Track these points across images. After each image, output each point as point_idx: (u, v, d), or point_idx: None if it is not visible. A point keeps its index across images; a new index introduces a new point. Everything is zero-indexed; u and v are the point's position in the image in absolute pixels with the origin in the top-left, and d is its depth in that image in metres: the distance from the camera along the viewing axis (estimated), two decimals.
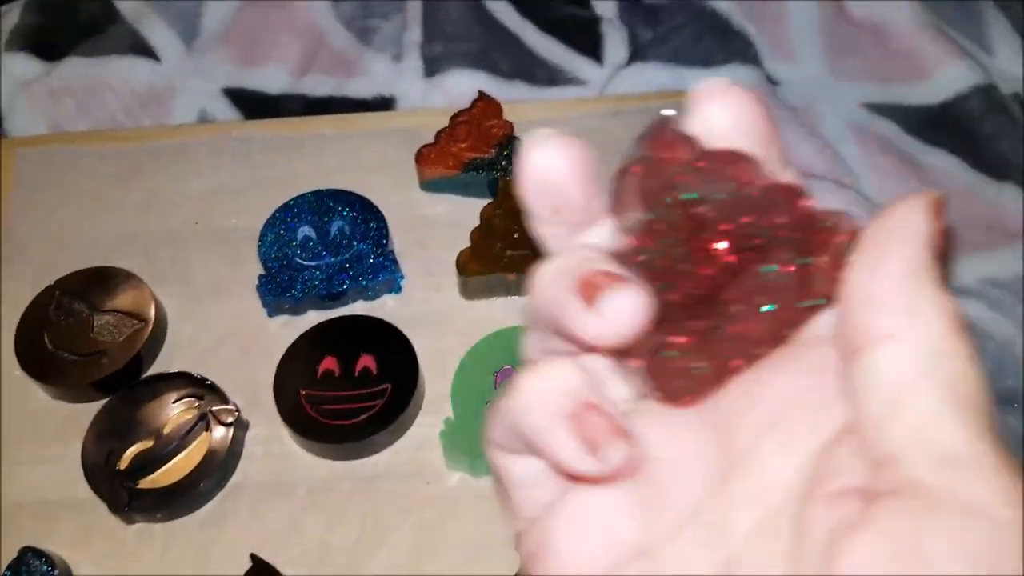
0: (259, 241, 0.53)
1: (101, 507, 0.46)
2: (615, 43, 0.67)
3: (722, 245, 0.19)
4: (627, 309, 0.18)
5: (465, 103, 0.57)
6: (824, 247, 0.19)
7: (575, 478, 0.20)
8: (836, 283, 0.19)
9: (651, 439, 0.20)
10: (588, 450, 0.18)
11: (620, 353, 0.20)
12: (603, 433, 0.18)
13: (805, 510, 0.18)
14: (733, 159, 0.19)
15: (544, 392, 0.19)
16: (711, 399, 0.20)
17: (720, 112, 0.19)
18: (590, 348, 0.19)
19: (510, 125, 0.55)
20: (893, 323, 0.17)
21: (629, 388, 0.21)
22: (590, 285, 0.18)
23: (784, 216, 0.19)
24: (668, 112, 0.20)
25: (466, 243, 0.52)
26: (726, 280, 0.19)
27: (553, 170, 0.19)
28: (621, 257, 0.19)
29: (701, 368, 0.20)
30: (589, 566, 0.20)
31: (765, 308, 0.19)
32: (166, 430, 0.47)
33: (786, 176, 0.20)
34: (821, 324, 0.20)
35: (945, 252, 0.18)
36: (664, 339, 0.19)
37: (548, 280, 0.19)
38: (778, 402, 0.20)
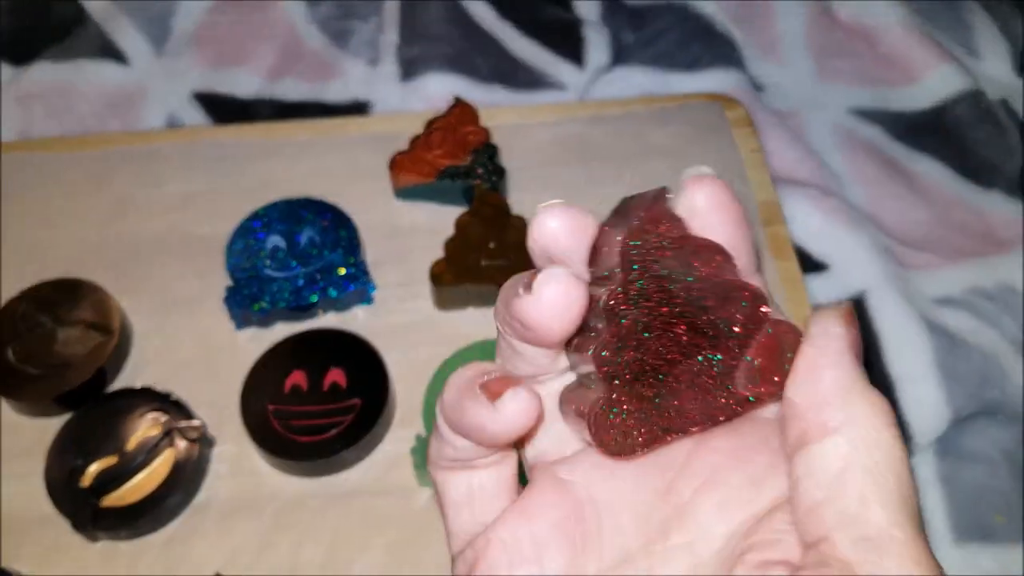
0: (227, 251, 0.52)
1: (65, 525, 0.45)
2: (597, 46, 0.66)
3: (681, 326, 0.21)
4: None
5: (443, 107, 0.56)
6: (768, 351, 0.21)
7: (500, 448, 0.22)
8: (772, 384, 0.21)
9: (590, 483, 0.23)
10: (490, 400, 0.21)
11: (570, 399, 0.22)
12: (501, 385, 0.21)
13: (733, 567, 0.20)
14: (712, 249, 0.21)
15: (462, 377, 0.22)
16: (661, 455, 0.22)
17: (700, 199, 0.22)
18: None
19: (486, 132, 0.54)
20: (831, 421, 0.19)
21: (575, 435, 0.23)
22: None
23: (741, 315, 0.21)
24: (667, 188, 0.22)
25: (441, 252, 0.51)
26: (677, 358, 0.21)
27: (553, 232, 0.22)
28: (592, 303, 0.21)
29: (637, 431, 0.22)
30: None
31: (705, 393, 0.21)
32: (130, 446, 0.46)
33: (755, 280, 0.22)
34: (766, 407, 0.22)
35: (862, 352, 0.20)
36: (611, 396, 0.21)
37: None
38: (720, 465, 0.22)
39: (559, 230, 0.21)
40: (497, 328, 0.23)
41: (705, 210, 0.22)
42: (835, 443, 0.19)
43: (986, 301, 0.56)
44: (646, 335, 0.21)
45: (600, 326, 0.21)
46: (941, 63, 0.64)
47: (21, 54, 0.64)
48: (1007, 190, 0.60)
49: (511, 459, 0.23)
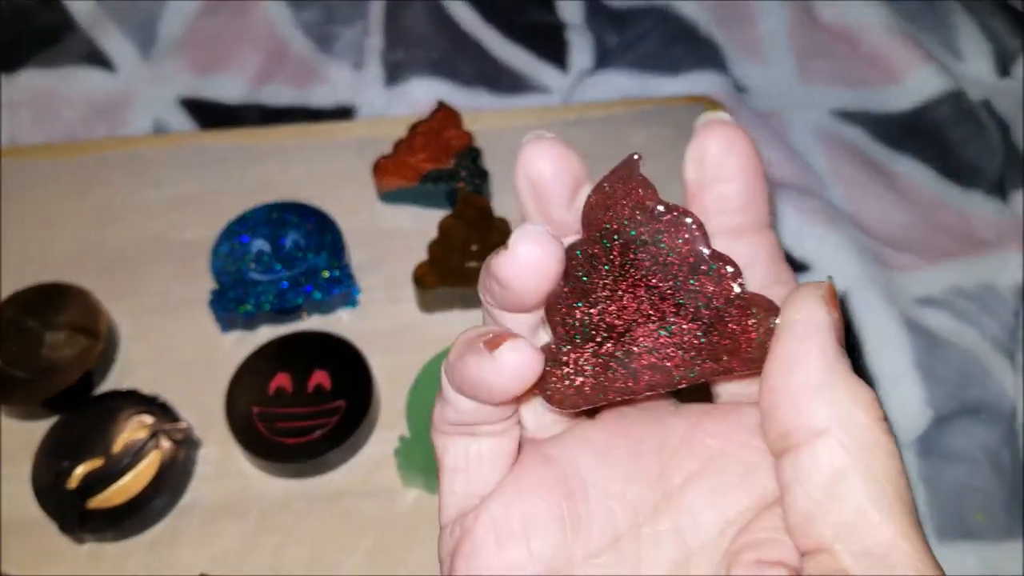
0: (212, 255, 0.52)
1: (51, 527, 0.45)
2: (581, 49, 0.66)
3: (643, 290, 0.21)
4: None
5: (427, 111, 0.56)
6: (738, 322, 0.20)
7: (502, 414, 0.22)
8: (740, 357, 0.20)
9: (580, 463, 0.22)
10: (490, 351, 0.20)
11: None
12: (501, 337, 0.20)
13: (729, 567, 0.20)
14: (683, 215, 0.20)
15: (467, 335, 0.21)
16: (654, 436, 0.22)
17: (713, 145, 0.20)
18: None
19: (468, 136, 0.54)
20: (818, 420, 0.18)
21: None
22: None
23: (712, 284, 0.20)
24: (637, 154, 0.21)
25: (425, 255, 0.51)
26: (637, 320, 0.21)
27: (537, 168, 0.21)
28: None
29: (583, 389, 0.22)
30: (501, 569, 0.21)
31: (665, 359, 0.21)
32: (116, 449, 0.46)
33: (766, 235, 0.21)
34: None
35: (843, 335, 0.19)
36: (561, 350, 0.21)
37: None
38: (714, 451, 0.21)
39: (546, 167, 0.21)
40: (482, 301, 0.23)
41: (719, 157, 0.20)
42: (826, 446, 0.18)
43: (967, 301, 0.56)
44: (605, 295, 0.21)
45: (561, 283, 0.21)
46: (923, 64, 0.64)
47: (8, 61, 0.64)
48: (988, 191, 0.61)
49: (513, 432, 0.23)
